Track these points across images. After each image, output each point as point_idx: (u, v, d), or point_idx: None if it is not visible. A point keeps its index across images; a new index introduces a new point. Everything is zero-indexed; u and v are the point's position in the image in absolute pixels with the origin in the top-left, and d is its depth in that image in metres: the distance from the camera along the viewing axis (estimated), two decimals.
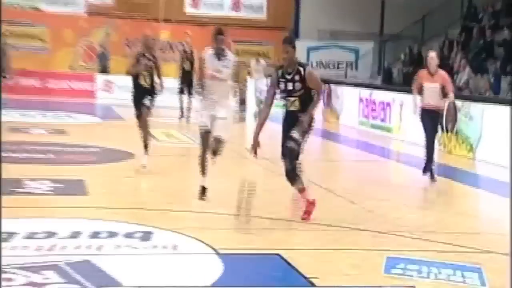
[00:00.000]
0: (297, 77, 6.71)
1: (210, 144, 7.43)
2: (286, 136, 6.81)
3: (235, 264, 5.41)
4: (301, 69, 6.74)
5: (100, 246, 5.57)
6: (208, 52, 7.54)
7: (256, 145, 6.81)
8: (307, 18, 23.77)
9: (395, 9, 22.89)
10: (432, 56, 9.56)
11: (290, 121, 6.84)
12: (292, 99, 6.79)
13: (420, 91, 9.63)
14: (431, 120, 9.69)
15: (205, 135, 7.50)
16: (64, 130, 13.31)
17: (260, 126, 6.90)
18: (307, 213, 6.86)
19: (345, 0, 22.66)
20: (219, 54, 7.52)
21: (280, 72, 6.82)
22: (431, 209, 8.38)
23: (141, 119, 9.17)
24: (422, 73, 9.75)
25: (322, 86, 7.05)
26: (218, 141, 7.42)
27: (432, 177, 9.61)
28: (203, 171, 7.52)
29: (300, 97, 6.74)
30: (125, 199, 7.58)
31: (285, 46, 6.74)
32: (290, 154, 6.74)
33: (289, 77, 6.74)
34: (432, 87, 9.47)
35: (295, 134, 6.72)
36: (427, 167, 9.65)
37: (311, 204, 6.90)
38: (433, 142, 9.86)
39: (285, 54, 6.73)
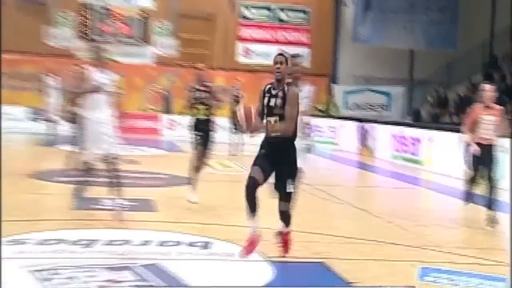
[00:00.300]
0: (280, 93, 5.45)
1: None
2: (276, 172, 5.52)
3: (284, 269, 5.41)
4: (286, 86, 5.48)
5: (166, 253, 5.66)
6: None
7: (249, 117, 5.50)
8: (344, 66, 23.83)
9: (422, 57, 22.76)
10: (487, 88, 7.93)
11: (275, 150, 5.47)
12: (272, 119, 5.47)
13: (472, 128, 8.00)
14: (483, 155, 7.94)
15: None
16: (136, 160, 13.53)
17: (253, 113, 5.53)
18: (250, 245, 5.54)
19: (378, 49, 22.65)
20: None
21: (267, 87, 5.57)
22: (460, 228, 8.21)
23: (201, 154, 8.31)
24: (478, 106, 8.07)
25: (296, 117, 5.50)
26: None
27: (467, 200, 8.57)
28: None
29: (281, 118, 5.43)
30: (189, 215, 7.64)
31: (280, 57, 5.43)
32: (287, 198, 5.60)
33: (274, 92, 5.49)
34: (489, 120, 7.89)
35: (289, 181, 5.53)
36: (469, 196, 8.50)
37: (287, 238, 5.79)
38: (477, 177, 8.21)
39: (279, 64, 5.40)
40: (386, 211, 8.93)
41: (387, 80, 22.80)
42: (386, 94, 23.00)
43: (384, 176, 14.37)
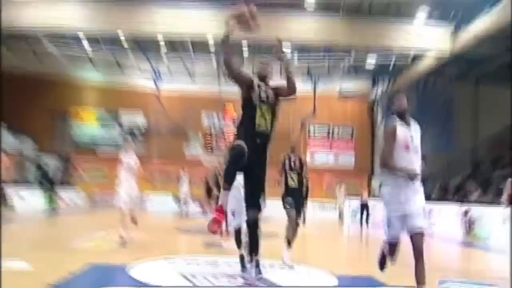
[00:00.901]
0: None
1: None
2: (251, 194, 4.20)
3: (345, 280, 5.35)
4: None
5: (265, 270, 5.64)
6: (396, 120, 3.78)
7: None
8: (378, 165, 23.56)
9: (430, 158, 22.12)
10: None
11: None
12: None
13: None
14: None
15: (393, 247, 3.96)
16: None
17: None
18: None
19: None
20: (405, 119, 3.74)
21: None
22: (465, 260, 7.70)
23: (292, 220, 5.77)
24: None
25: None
26: (419, 235, 3.82)
27: None
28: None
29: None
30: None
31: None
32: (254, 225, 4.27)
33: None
34: None
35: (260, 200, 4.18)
36: None
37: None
38: None
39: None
40: (408, 251, 8.53)
41: None
42: None
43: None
